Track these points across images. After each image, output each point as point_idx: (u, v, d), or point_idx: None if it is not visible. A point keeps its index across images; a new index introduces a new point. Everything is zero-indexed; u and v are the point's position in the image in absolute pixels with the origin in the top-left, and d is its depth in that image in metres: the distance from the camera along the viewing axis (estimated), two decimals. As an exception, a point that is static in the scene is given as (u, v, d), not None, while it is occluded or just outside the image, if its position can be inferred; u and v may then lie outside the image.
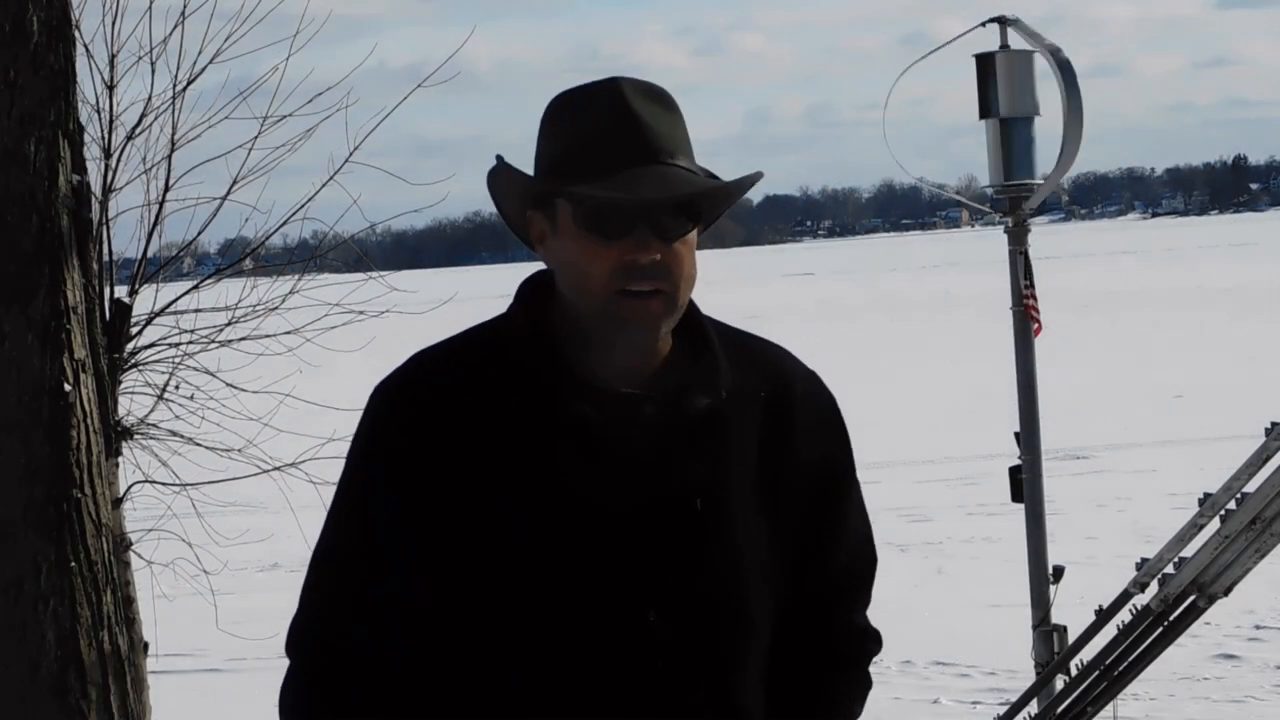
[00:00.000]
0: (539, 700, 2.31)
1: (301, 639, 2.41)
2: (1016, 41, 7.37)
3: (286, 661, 2.48)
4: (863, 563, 2.53)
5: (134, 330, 6.42)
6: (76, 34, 4.76)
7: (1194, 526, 5.30)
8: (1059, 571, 7.20)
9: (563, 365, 2.33)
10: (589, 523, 2.30)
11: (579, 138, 2.31)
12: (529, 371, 2.33)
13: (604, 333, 2.32)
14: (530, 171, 2.39)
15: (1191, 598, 5.37)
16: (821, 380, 2.50)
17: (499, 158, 2.36)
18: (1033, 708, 6.32)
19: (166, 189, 6.74)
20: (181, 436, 6.83)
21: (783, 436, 2.41)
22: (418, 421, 2.34)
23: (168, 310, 6.77)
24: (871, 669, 2.59)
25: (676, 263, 2.30)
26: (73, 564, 4.50)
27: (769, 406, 2.41)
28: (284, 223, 7.11)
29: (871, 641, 2.55)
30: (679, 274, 2.30)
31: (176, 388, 6.76)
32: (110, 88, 6.61)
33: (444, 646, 2.34)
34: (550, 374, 2.32)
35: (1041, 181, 7.44)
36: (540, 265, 2.44)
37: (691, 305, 2.40)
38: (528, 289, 2.41)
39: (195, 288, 7.07)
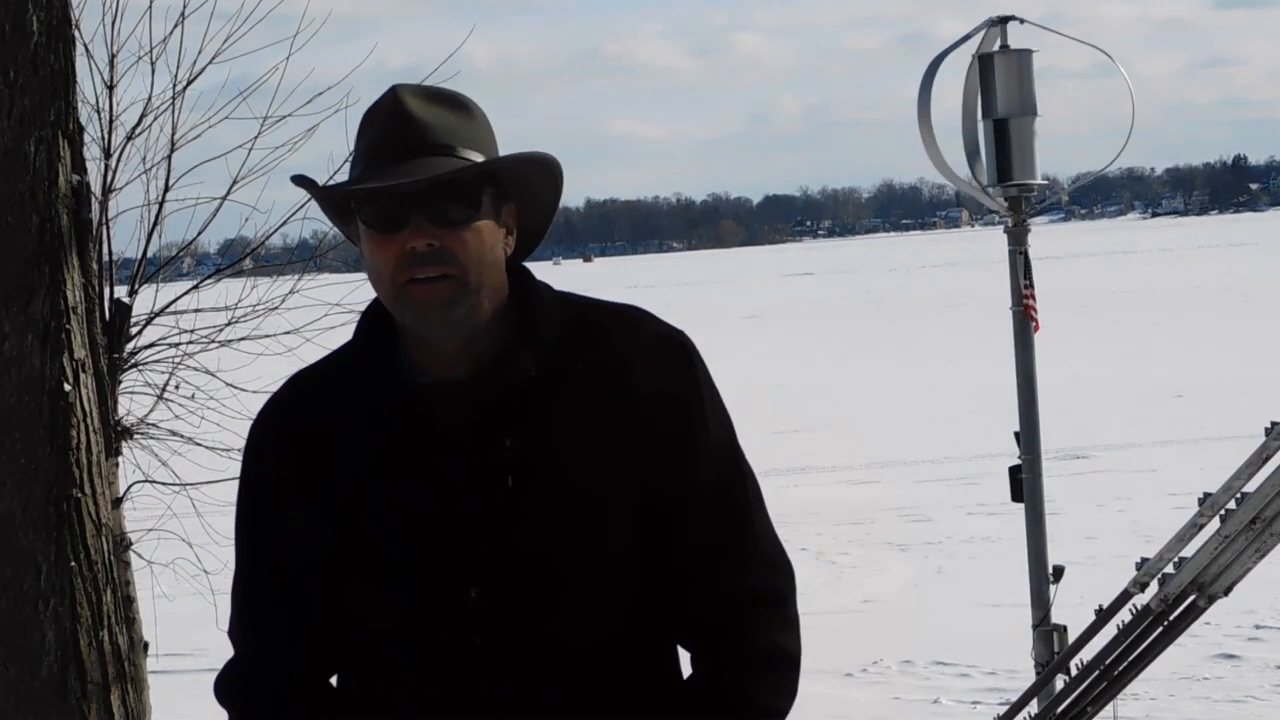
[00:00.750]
0: (384, 684, 2.42)
1: (241, 688, 2.54)
2: (1017, 41, 7.37)
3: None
4: (727, 520, 2.43)
5: (134, 330, 6.43)
6: (76, 34, 4.75)
7: (1194, 526, 5.29)
8: (1059, 571, 7.20)
9: (385, 366, 2.42)
10: (413, 510, 2.38)
11: (361, 145, 2.39)
12: (355, 377, 2.43)
13: (408, 324, 2.38)
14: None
15: (1191, 597, 5.37)
16: (676, 337, 2.46)
17: (295, 179, 2.43)
18: (1033, 708, 6.32)
19: (166, 189, 6.74)
20: (181, 436, 6.83)
21: (621, 401, 2.39)
22: (287, 439, 2.46)
23: (168, 310, 6.77)
24: (800, 666, 2.47)
25: (461, 247, 2.33)
26: (73, 564, 4.50)
27: (605, 374, 2.40)
28: (284, 223, 7.12)
29: (762, 616, 2.43)
30: (466, 257, 2.33)
31: (177, 388, 6.76)
32: (110, 88, 6.61)
33: (333, 646, 2.48)
34: (370, 376, 2.42)
35: (1043, 181, 7.45)
36: None
37: (527, 284, 2.44)
38: (365, 311, 2.49)
39: (195, 288, 7.08)
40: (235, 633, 2.57)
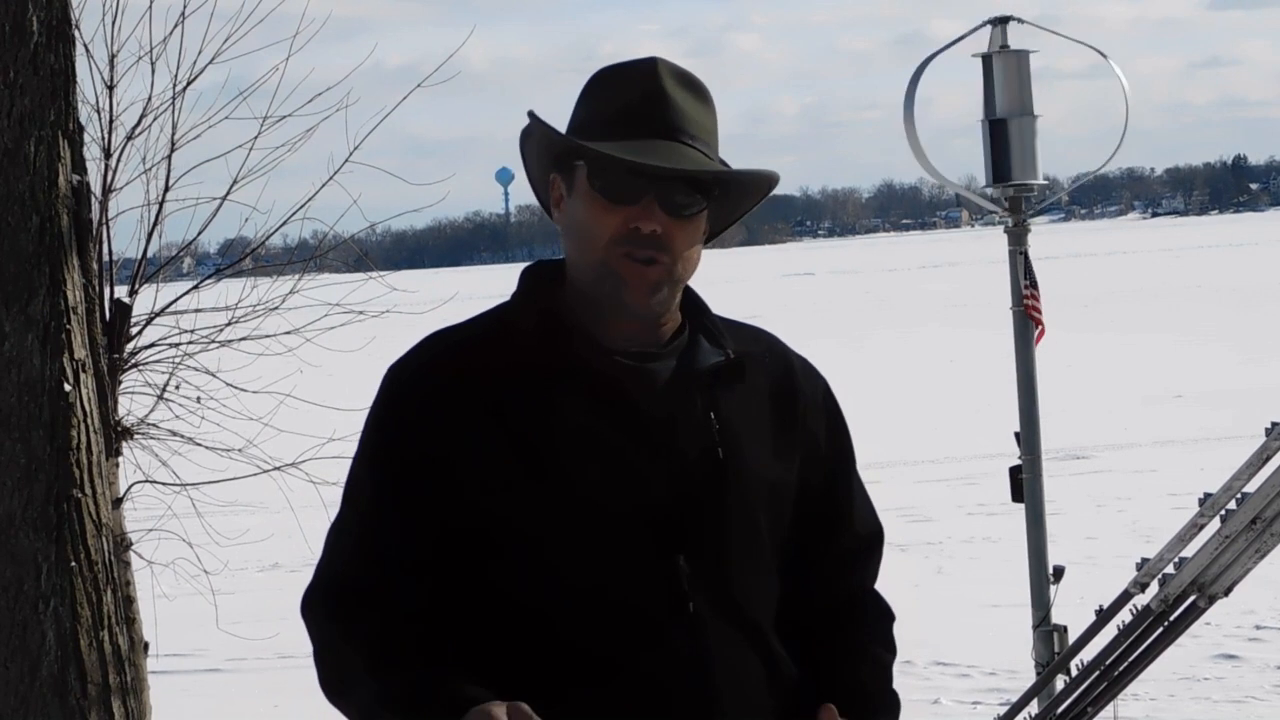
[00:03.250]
0: (581, 650, 2.34)
1: (336, 594, 2.38)
2: (1016, 41, 7.37)
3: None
4: (870, 537, 2.60)
5: (134, 330, 6.43)
6: (76, 34, 4.75)
7: (1194, 526, 5.29)
8: (1059, 571, 7.21)
9: (573, 331, 2.40)
10: (617, 476, 2.35)
11: (607, 105, 2.40)
12: (542, 340, 2.39)
13: (601, 295, 2.38)
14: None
15: (1192, 598, 5.37)
16: (809, 361, 2.59)
17: (531, 114, 2.43)
18: (1033, 708, 6.32)
19: (166, 189, 6.75)
20: (182, 436, 6.84)
21: (789, 401, 2.50)
22: (435, 395, 2.38)
23: (168, 310, 6.77)
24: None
25: (681, 238, 2.38)
26: (73, 564, 4.50)
27: (773, 373, 2.50)
28: (284, 223, 7.12)
29: (889, 610, 2.60)
30: (678, 249, 2.38)
31: (177, 388, 6.76)
32: (110, 88, 6.61)
33: (484, 606, 2.36)
34: (564, 340, 2.39)
35: (1044, 181, 7.46)
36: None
37: (694, 291, 2.50)
38: (531, 273, 2.48)
39: (195, 288, 7.08)
40: (349, 565, 2.38)
